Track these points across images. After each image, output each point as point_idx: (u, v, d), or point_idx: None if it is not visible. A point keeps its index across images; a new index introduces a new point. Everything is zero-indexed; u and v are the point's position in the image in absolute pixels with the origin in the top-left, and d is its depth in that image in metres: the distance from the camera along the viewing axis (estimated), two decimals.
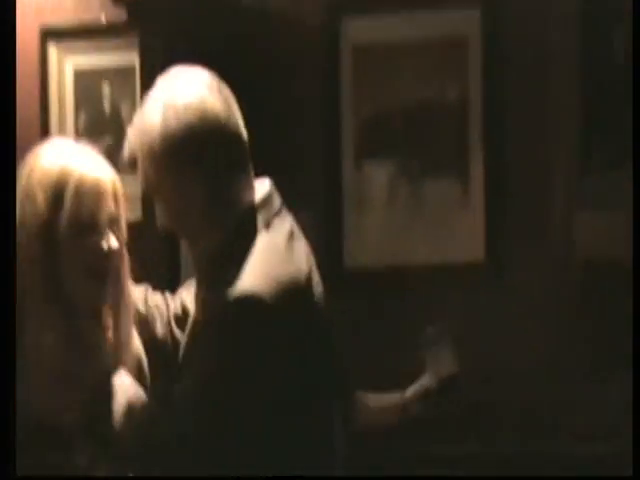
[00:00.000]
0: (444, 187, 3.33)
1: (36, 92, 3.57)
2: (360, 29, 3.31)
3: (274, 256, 1.85)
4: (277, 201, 1.89)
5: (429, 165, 3.33)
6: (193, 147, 1.82)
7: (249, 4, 3.37)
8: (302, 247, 1.93)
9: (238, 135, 1.85)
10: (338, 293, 3.16)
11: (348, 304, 3.23)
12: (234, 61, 3.32)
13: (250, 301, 1.76)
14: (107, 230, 1.82)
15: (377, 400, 3.31)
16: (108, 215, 1.82)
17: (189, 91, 1.85)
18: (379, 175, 3.37)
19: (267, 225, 1.86)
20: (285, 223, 1.90)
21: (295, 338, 1.83)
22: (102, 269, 1.83)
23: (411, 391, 3.11)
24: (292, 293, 1.81)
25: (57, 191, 1.79)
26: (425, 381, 3.15)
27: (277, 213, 1.90)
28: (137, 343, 1.95)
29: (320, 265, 3.10)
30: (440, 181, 3.30)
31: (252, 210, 1.84)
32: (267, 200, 1.88)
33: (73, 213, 1.79)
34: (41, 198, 1.79)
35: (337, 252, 3.28)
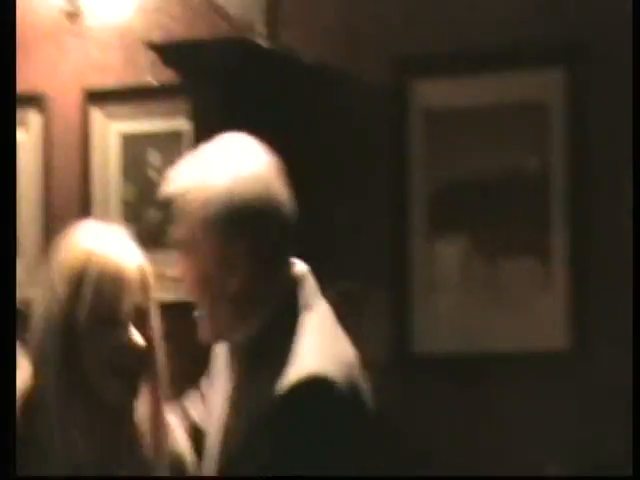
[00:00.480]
0: (523, 266, 3.17)
1: (77, 160, 3.51)
2: (432, 92, 3.17)
3: (329, 336, 1.88)
4: (312, 281, 1.94)
5: (507, 242, 3.16)
6: (254, 221, 1.84)
7: (309, 64, 3.27)
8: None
9: (290, 214, 1.87)
10: (406, 379, 3.03)
11: (417, 391, 3.17)
12: (294, 128, 3.25)
13: (321, 383, 1.76)
14: (130, 324, 1.79)
15: None
16: (132, 307, 1.79)
17: (255, 163, 1.85)
18: (452, 253, 3.22)
19: (307, 306, 1.89)
20: (323, 303, 1.93)
21: (360, 420, 1.87)
22: (127, 366, 1.80)
23: None
24: (354, 374, 1.86)
25: (77, 280, 1.79)
26: None
27: (315, 293, 1.94)
28: (179, 446, 1.91)
29: (388, 349, 2.94)
30: (519, 260, 3.15)
31: (294, 290, 1.88)
32: (305, 280, 1.92)
33: (92, 305, 1.77)
34: (62, 287, 1.78)
35: (406, 336, 3.17)
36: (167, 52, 3.29)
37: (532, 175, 3.18)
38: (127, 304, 1.83)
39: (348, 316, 2.70)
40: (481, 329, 3.15)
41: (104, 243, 1.86)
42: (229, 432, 1.94)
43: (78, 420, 1.84)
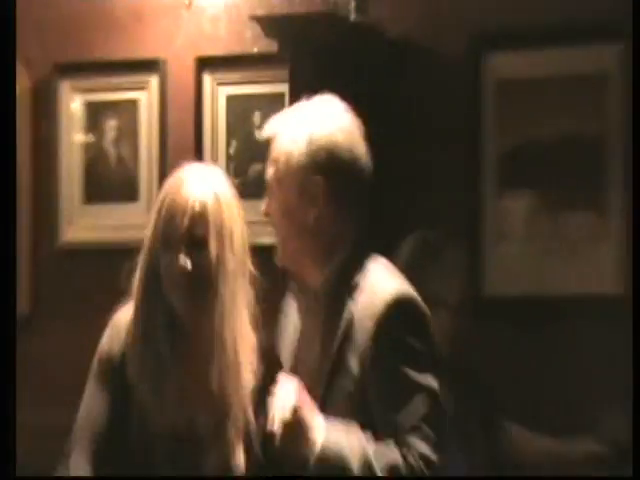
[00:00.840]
0: (582, 219, 3.46)
1: (191, 119, 3.82)
2: (503, 64, 3.49)
3: (397, 274, 2.11)
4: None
5: (568, 198, 3.46)
6: (332, 161, 2.09)
7: (393, 37, 3.55)
8: None
9: (366, 165, 2.13)
10: (477, 319, 3.38)
11: (488, 331, 3.45)
12: (378, 94, 3.54)
13: (412, 299, 2.02)
14: (181, 249, 1.98)
15: (530, 440, 3.45)
16: (187, 235, 1.98)
17: (338, 118, 2.14)
18: (518, 207, 3.52)
19: (369, 255, 2.12)
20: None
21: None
22: (181, 284, 1.99)
23: (581, 453, 3.33)
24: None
25: (157, 211, 2.02)
26: (596, 448, 3.33)
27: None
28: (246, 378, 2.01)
29: (462, 292, 3.24)
30: (578, 214, 3.44)
31: (362, 240, 2.11)
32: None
33: (161, 230, 2.00)
34: (151, 217, 2.04)
35: (478, 281, 3.45)
36: (268, 25, 3.55)
37: (591, 139, 3.45)
38: (177, 232, 2.00)
39: (426, 261, 3.03)
40: (544, 275, 3.45)
41: (187, 180, 2.05)
42: (303, 362, 2.15)
43: (162, 334, 2.03)
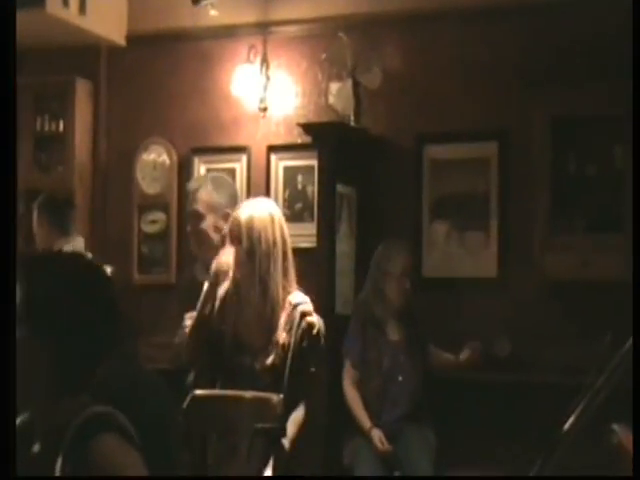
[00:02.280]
0: (475, 236, 5.05)
1: (264, 179, 5.46)
2: (436, 152, 5.10)
3: None
4: None
5: (468, 224, 5.05)
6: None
7: (373, 134, 5.18)
8: None
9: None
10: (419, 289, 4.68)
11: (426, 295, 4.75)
12: (366, 167, 5.17)
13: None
14: (225, 249, 3.40)
15: (440, 356, 4.77)
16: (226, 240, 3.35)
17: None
18: (441, 228, 5.13)
19: None
20: None
21: None
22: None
23: (466, 361, 4.63)
24: None
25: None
26: (476, 357, 4.58)
27: None
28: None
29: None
30: (473, 232, 5.02)
31: None
32: None
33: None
34: None
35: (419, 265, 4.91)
36: (306, 127, 5.06)
37: (482, 194, 5.03)
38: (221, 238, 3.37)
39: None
40: (451, 265, 5.04)
41: (247, 205, 3.45)
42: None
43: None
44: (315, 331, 3.41)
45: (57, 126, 5.84)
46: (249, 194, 5.38)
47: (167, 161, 5.73)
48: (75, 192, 5.59)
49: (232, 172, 5.55)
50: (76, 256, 2.09)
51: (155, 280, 5.59)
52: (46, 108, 5.82)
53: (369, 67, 5.19)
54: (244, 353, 3.44)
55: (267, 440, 3.22)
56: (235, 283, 3.50)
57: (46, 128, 5.85)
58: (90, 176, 5.81)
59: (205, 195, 3.96)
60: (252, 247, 3.44)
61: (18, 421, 1.99)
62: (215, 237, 3.97)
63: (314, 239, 4.97)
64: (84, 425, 1.88)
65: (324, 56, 5.32)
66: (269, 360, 3.38)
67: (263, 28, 5.52)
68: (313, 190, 5.40)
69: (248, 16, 5.58)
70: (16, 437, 1.90)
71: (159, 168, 5.78)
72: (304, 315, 3.44)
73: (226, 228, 3.49)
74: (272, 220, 3.48)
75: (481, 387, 4.68)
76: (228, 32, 5.61)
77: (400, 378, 4.50)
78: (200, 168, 5.69)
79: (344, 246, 5.13)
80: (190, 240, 4.08)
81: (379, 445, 4.41)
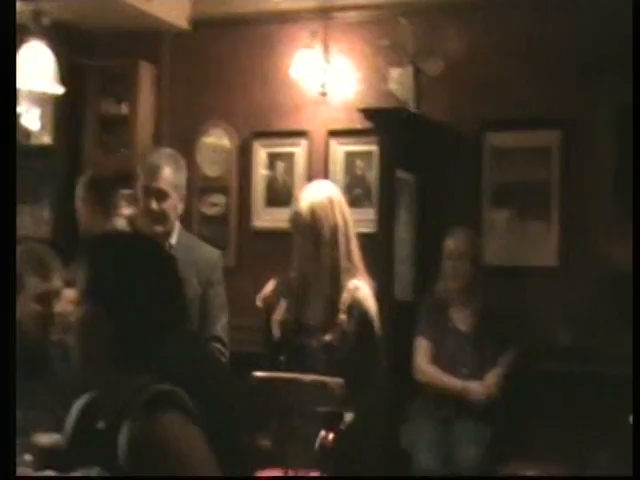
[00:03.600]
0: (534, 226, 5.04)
1: (323, 163, 5.50)
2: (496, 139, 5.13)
3: None
4: None
5: (527, 212, 5.06)
6: None
7: (434, 120, 5.21)
8: None
9: None
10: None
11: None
12: (426, 153, 5.18)
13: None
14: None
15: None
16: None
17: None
18: (501, 216, 5.13)
19: None
20: None
21: None
22: None
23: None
24: None
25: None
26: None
27: None
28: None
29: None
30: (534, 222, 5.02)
31: None
32: None
33: None
34: None
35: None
36: (366, 113, 5.02)
37: (542, 181, 5.04)
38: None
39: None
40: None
41: (306, 193, 3.48)
42: None
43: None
44: (366, 314, 3.49)
45: (120, 109, 5.93)
46: (309, 178, 5.42)
47: (227, 144, 5.81)
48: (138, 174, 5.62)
49: (291, 156, 5.65)
50: (140, 236, 2.10)
51: None
52: (111, 91, 5.91)
53: (430, 53, 5.20)
54: (306, 334, 3.49)
55: (326, 423, 3.22)
56: (303, 275, 3.58)
57: (111, 110, 5.94)
58: None
59: (168, 173, 3.80)
60: (317, 239, 3.50)
61: (83, 399, 2.03)
62: (172, 218, 3.86)
63: (373, 225, 4.98)
64: (148, 403, 1.92)
65: (385, 42, 5.37)
66: (327, 338, 3.44)
67: (324, 13, 5.54)
68: (372, 176, 5.40)
69: (309, 1, 5.60)
70: (78, 416, 1.99)
71: (219, 151, 5.84)
72: (359, 299, 3.49)
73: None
74: (332, 204, 3.53)
75: (542, 377, 4.73)
76: (290, 17, 5.67)
77: (464, 370, 4.54)
78: (260, 152, 5.77)
79: (403, 232, 5.15)
80: (144, 218, 3.89)
81: (485, 390, 4.43)
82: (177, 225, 3.83)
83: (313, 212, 3.52)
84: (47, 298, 3.07)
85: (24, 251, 3.07)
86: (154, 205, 3.76)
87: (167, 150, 4.05)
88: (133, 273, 1.96)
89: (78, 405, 2.06)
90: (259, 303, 3.69)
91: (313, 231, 3.51)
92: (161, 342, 1.99)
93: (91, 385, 2.02)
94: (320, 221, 3.51)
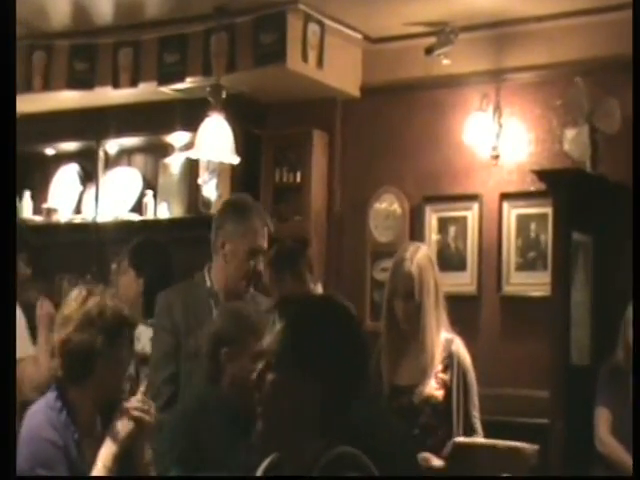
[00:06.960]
0: None
1: (496, 226, 5.47)
2: None
3: None
4: None
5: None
6: None
7: (612, 182, 5.03)
8: None
9: None
10: None
11: None
12: (603, 216, 5.06)
13: None
14: None
15: None
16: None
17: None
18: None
19: None
20: None
21: None
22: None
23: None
24: None
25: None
26: None
27: None
28: None
29: None
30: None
31: None
32: None
33: None
34: None
35: None
36: (540, 174, 4.97)
37: None
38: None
39: None
40: None
41: (410, 254, 3.57)
42: None
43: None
44: (467, 366, 3.60)
45: (294, 177, 6.03)
46: (481, 243, 5.53)
47: (398, 210, 5.87)
48: (311, 241, 5.74)
49: (464, 220, 5.68)
50: (333, 300, 2.13)
51: None
52: (285, 160, 6.03)
53: (607, 111, 5.14)
54: (402, 394, 3.56)
55: None
56: (402, 336, 3.64)
57: (284, 179, 6.06)
58: (325, 225, 6.02)
59: (267, 230, 3.70)
60: (422, 301, 3.58)
61: (268, 459, 2.03)
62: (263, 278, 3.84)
63: (547, 288, 4.96)
64: (330, 465, 1.91)
65: (559, 102, 5.34)
66: (425, 391, 3.53)
67: (496, 75, 5.60)
68: (547, 238, 5.37)
69: (480, 64, 5.66)
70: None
71: (391, 217, 5.90)
72: (456, 352, 3.62)
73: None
74: (432, 266, 3.63)
75: None
76: (460, 81, 5.70)
77: None
78: (432, 217, 5.81)
79: (579, 295, 5.07)
80: (243, 278, 3.69)
81: None
82: None
83: (422, 275, 3.60)
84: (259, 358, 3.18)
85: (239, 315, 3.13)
86: (250, 264, 3.66)
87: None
88: (331, 337, 1.98)
89: (262, 467, 2.07)
90: None
91: (421, 294, 3.60)
92: (351, 404, 2.00)
93: (276, 446, 2.03)
94: (427, 284, 3.61)
